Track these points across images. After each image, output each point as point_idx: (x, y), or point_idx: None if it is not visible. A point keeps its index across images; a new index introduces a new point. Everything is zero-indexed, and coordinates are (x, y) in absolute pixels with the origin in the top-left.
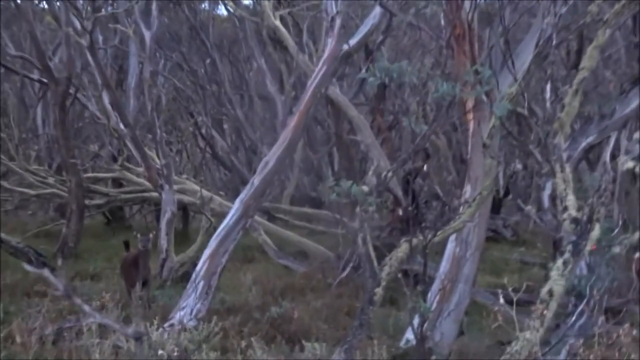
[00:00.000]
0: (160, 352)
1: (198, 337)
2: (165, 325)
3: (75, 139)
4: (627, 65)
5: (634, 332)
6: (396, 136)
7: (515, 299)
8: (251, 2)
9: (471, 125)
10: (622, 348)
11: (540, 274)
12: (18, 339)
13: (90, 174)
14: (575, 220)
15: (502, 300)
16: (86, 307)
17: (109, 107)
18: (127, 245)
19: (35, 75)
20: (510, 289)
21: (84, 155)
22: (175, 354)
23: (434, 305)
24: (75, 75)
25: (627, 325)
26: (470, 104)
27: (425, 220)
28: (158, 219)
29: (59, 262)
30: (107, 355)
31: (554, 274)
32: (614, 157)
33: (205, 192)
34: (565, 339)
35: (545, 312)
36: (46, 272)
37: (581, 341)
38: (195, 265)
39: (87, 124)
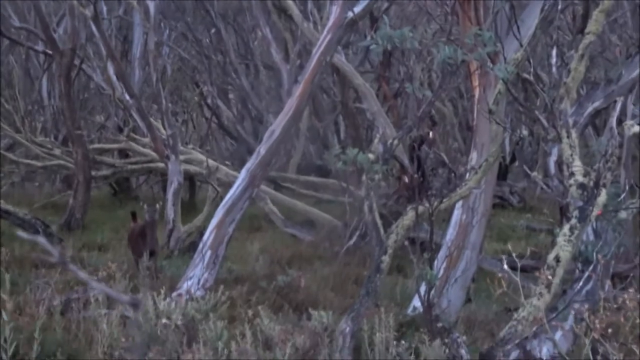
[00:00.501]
0: (164, 320)
1: (205, 307)
2: (173, 295)
3: (81, 110)
4: (634, 29)
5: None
6: (402, 104)
7: (521, 265)
8: None
9: (477, 92)
10: (627, 313)
11: (547, 240)
12: (27, 310)
13: (96, 145)
14: (581, 186)
15: (505, 267)
16: (82, 274)
17: (114, 78)
18: (134, 216)
19: (40, 47)
20: (515, 255)
21: (89, 127)
22: (180, 322)
23: (441, 272)
24: (80, 47)
25: (632, 290)
26: (474, 69)
27: (432, 187)
28: (165, 189)
29: (66, 233)
30: (114, 325)
31: (560, 240)
32: (620, 122)
33: (211, 162)
34: (572, 305)
35: (552, 278)
36: (41, 239)
37: (587, 306)
38: (202, 235)
39: (93, 95)
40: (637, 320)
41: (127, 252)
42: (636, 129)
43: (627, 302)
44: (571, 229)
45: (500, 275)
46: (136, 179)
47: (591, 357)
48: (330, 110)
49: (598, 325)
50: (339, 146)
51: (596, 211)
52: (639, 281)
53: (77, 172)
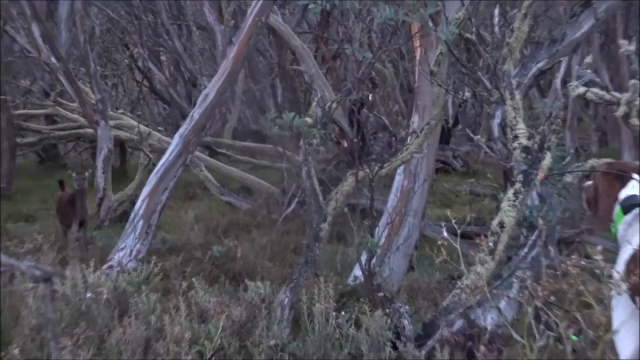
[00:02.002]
0: (88, 294)
1: (137, 279)
2: (104, 267)
3: (5, 74)
4: None
5: (582, 262)
6: (341, 65)
7: (464, 232)
8: None
9: (418, 53)
10: (571, 280)
11: (491, 205)
12: None
13: (21, 111)
14: (526, 149)
15: (445, 233)
16: None
17: (39, 39)
18: (62, 184)
19: None
20: (457, 221)
21: (14, 91)
22: (106, 296)
23: (382, 240)
24: (3, 7)
25: (575, 256)
26: (416, 30)
27: (372, 152)
28: (94, 156)
29: None
30: (41, 300)
31: (504, 205)
32: (565, 83)
33: (143, 128)
34: (517, 272)
35: (496, 244)
36: None
37: (530, 274)
38: (134, 203)
39: (17, 58)
40: (581, 287)
41: (55, 222)
42: (581, 90)
43: (571, 268)
44: (515, 194)
45: (441, 242)
46: (64, 145)
47: (534, 325)
48: (266, 72)
49: (541, 293)
50: (276, 110)
51: (541, 175)
52: (585, 247)
53: (1, 139)
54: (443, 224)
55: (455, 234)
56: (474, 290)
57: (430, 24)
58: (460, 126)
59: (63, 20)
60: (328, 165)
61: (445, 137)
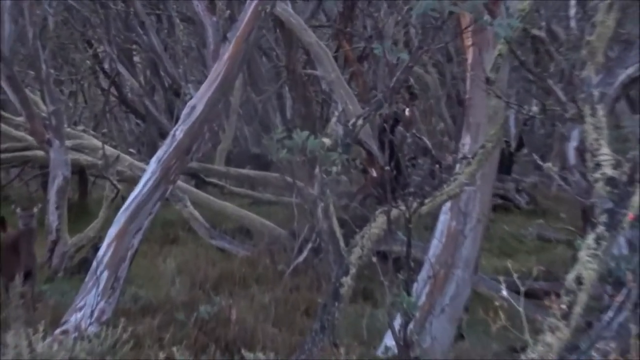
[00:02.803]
0: None
1: (100, 348)
2: (56, 331)
3: None
4: None
5: None
6: (369, 70)
7: (529, 289)
8: None
9: (470, 54)
10: None
11: (565, 254)
12: None
13: None
14: (611, 181)
15: (504, 291)
16: None
17: None
18: (3, 223)
19: None
20: (520, 275)
21: None
22: None
23: (422, 299)
24: None
25: None
26: (466, 24)
27: (409, 183)
28: (45, 186)
29: None
30: None
31: (583, 254)
32: None
33: (109, 150)
34: (598, 343)
35: (571, 306)
36: None
37: (615, 345)
38: (96, 249)
39: None
40: None
41: None
42: None
43: None
44: (597, 240)
45: (500, 302)
46: (6, 172)
47: None
48: (271, 78)
49: None
50: (284, 128)
51: (630, 215)
52: None
53: None
54: (502, 278)
55: (518, 292)
56: None
57: (486, 16)
58: (525, 150)
59: (6, 9)
60: (352, 200)
61: (505, 165)
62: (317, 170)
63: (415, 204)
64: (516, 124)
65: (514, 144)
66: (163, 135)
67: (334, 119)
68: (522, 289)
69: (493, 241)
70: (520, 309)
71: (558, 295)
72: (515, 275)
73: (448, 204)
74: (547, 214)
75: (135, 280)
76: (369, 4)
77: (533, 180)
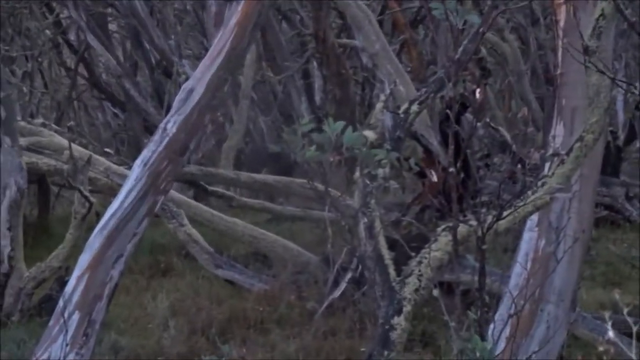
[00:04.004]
0: None
1: None
2: None
3: None
4: None
5: None
6: (425, 38)
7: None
8: None
9: (562, 15)
10: None
11: None
12: None
13: None
14: None
15: (610, 333)
16: None
17: None
18: None
19: None
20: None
21: None
22: None
23: (501, 345)
24: None
25: None
26: None
27: (482, 190)
28: None
29: None
30: None
31: None
32: None
33: (78, 150)
34: None
35: None
36: None
37: None
38: (63, 283)
39: None
40: None
41: None
42: None
43: None
44: None
45: (605, 347)
46: None
47: None
48: (295, 51)
49: None
50: (312, 117)
51: None
52: None
53: None
54: (608, 315)
55: (630, 334)
56: None
57: None
58: (638, 144)
59: None
60: (405, 214)
61: (611, 164)
62: (357, 174)
63: (490, 218)
64: (625, 109)
65: (622, 135)
66: (149, 129)
67: (379, 105)
68: (635, 329)
69: (596, 266)
70: (633, 356)
71: None
72: (625, 310)
73: (534, 218)
74: None
75: (115, 325)
76: None
77: None
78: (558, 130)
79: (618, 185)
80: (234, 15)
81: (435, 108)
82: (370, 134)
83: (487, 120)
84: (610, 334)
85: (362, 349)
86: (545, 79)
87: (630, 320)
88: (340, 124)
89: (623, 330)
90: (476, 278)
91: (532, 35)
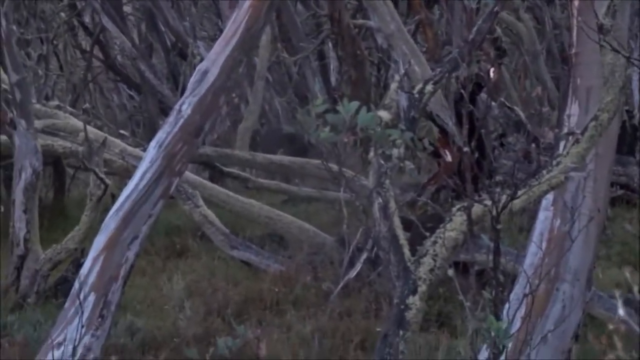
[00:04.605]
0: None
1: None
2: None
3: None
4: None
5: None
6: (441, 18)
7: None
8: None
9: None
10: None
11: None
12: None
13: None
14: None
15: (621, 312)
16: None
17: None
18: None
19: None
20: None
21: None
22: None
23: (517, 324)
24: None
25: None
26: None
27: (497, 170)
28: (8, 183)
29: None
30: None
31: None
32: None
33: (94, 132)
34: None
35: None
36: None
37: None
38: (79, 265)
39: None
40: None
41: None
42: None
43: None
44: None
45: (617, 326)
46: None
47: None
48: (310, 32)
49: None
50: (327, 98)
51: None
52: None
53: None
54: (618, 294)
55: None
56: None
57: None
58: None
59: None
60: (420, 194)
61: (628, 143)
62: (372, 154)
63: (505, 197)
64: None
65: (638, 115)
66: (165, 111)
67: (394, 85)
68: None
69: (612, 246)
70: None
71: None
72: (636, 290)
73: (550, 197)
74: None
75: (131, 307)
76: None
77: None
78: (573, 110)
79: (634, 164)
80: None
81: (450, 88)
82: (384, 114)
83: (502, 100)
84: (621, 311)
85: (378, 329)
86: (561, 58)
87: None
88: (355, 104)
89: (637, 309)
90: (491, 258)
91: (547, 14)
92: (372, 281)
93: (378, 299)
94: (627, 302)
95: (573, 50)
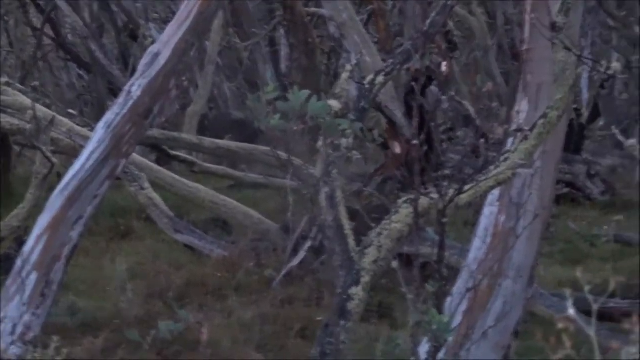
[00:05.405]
0: None
1: None
2: None
3: None
4: None
5: None
6: (394, 9)
7: (603, 308)
8: None
9: None
10: None
11: None
12: None
13: None
14: None
15: (570, 310)
16: None
17: None
18: None
19: None
20: (587, 288)
21: None
22: None
23: (458, 318)
24: None
25: None
26: None
27: (445, 163)
28: None
29: None
30: None
31: None
32: None
33: (42, 110)
34: None
35: None
36: None
37: None
38: (21, 243)
39: None
40: None
41: None
42: None
43: None
44: None
45: (562, 324)
46: None
47: None
48: (262, 18)
49: None
50: (277, 85)
51: None
52: None
53: None
54: (567, 293)
55: (588, 312)
56: None
57: None
58: (601, 122)
59: None
60: (367, 184)
61: (574, 141)
62: (321, 142)
63: (451, 191)
64: (590, 87)
65: (586, 113)
66: (114, 91)
67: (345, 75)
68: (594, 307)
69: (555, 244)
70: (592, 334)
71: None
72: (586, 289)
73: (496, 193)
74: (629, 208)
75: (73, 287)
76: None
77: (611, 163)
78: (522, 106)
79: (580, 162)
80: None
81: (400, 80)
82: (334, 104)
83: (452, 93)
84: (571, 311)
85: (319, 318)
86: (512, 54)
87: (589, 298)
88: (305, 92)
89: (582, 308)
90: (435, 251)
91: (499, 9)
92: (315, 270)
93: (320, 287)
94: (576, 303)
95: (525, 47)
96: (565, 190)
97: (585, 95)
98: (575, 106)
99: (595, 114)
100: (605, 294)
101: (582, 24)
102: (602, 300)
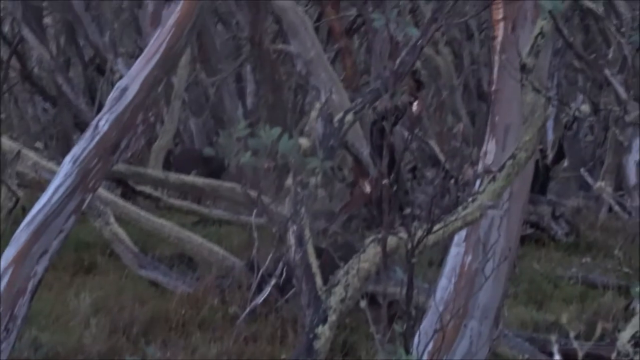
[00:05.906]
0: None
1: None
2: None
3: None
4: None
5: None
6: (361, 47)
7: (567, 350)
8: None
9: (500, 31)
10: None
11: (618, 304)
12: None
13: None
14: None
15: (533, 352)
16: None
17: None
18: None
19: None
20: (551, 333)
21: None
22: None
23: (426, 358)
24: None
25: None
26: None
27: (413, 203)
28: None
29: None
30: None
31: None
32: None
33: (7, 143)
34: None
35: None
36: None
37: None
38: None
39: None
40: None
41: None
42: None
43: None
44: None
45: None
46: None
47: None
48: (229, 54)
49: None
50: (245, 121)
51: None
52: None
53: None
54: (531, 334)
55: (551, 354)
56: None
57: None
58: (566, 163)
59: None
60: (333, 222)
61: (541, 183)
62: (289, 180)
63: (420, 231)
64: (555, 128)
65: (551, 155)
66: (81, 125)
67: (314, 113)
68: (556, 349)
69: (519, 284)
70: None
71: None
72: (549, 332)
73: (462, 233)
74: (594, 249)
75: (36, 321)
76: None
77: (575, 204)
78: (490, 147)
79: (545, 203)
80: (173, 15)
81: (369, 119)
82: (304, 142)
83: (420, 134)
84: (533, 352)
85: (283, 356)
86: (478, 94)
87: (552, 340)
88: (277, 130)
89: (544, 350)
90: (403, 291)
91: (466, 49)
92: (280, 307)
93: (284, 325)
94: (538, 344)
95: (493, 88)
96: (530, 230)
97: (550, 137)
98: (540, 147)
99: (560, 155)
100: (569, 336)
101: (550, 65)
102: (565, 342)
